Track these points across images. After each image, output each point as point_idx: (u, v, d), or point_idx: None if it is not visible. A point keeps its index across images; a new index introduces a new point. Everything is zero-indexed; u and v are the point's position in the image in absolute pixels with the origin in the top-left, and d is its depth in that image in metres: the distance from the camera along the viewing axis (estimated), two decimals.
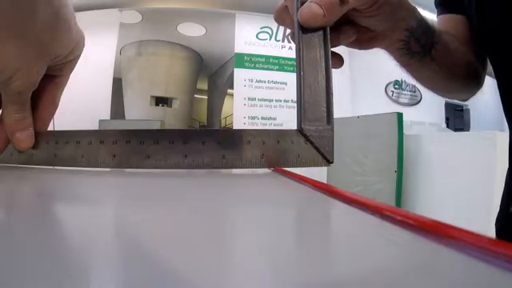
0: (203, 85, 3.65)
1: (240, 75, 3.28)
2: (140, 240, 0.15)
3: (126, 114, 3.30)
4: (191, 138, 0.34)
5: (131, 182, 0.33)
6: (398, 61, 0.49)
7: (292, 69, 3.14)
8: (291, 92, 3.00)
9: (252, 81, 3.27)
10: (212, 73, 3.60)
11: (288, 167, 0.34)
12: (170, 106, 3.49)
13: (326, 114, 0.34)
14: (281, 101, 3.24)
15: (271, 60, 3.34)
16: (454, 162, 1.79)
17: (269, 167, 0.36)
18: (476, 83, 0.56)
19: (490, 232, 0.39)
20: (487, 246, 0.13)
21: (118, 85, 3.25)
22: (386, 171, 1.98)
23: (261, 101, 3.26)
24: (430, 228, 0.16)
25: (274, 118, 3.20)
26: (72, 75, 0.39)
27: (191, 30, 3.46)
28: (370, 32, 0.42)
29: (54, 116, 0.39)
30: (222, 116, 3.52)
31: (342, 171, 2.20)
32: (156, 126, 2.94)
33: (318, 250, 0.14)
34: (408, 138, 1.99)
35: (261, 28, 3.35)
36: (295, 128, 0.34)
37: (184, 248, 0.14)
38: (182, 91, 3.54)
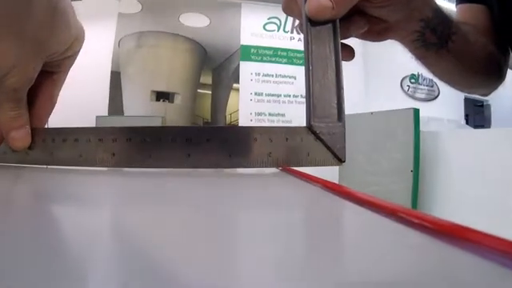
0: (207, 79, 3.63)
1: (246, 68, 3.27)
2: (145, 243, 0.15)
3: (124, 109, 3.29)
4: (195, 135, 0.34)
5: (132, 182, 0.33)
6: (413, 53, 0.49)
7: (302, 62, 3.13)
8: (301, 86, 2.97)
9: (259, 74, 3.27)
10: (216, 66, 3.58)
11: (297, 166, 0.34)
12: (172, 102, 3.48)
13: (336, 110, 0.34)
14: (290, 96, 3.22)
15: (279, 52, 3.32)
16: (473, 160, 1.78)
17: (276, 166, 0.36)
18: (497, 77, 0.56)
19: None
20: (511, 250, 0.13)
21: (116, 79, 3.24)
22: (401, 171, 1.97)
23: (268, 96, 3.24)
24: (449, 231, 0.15)
25: (283, 115, 3.19)
26: None
27: (194, 21, 3.45)
28: (382, 23, 0.42)
29: None
30: (227, 112, 3.49)
31: (355, 171, 2.19)
32: (157, 122, 2.94)
33: (330, 256, 0.14)
34: (425, 136, 1.98)
35: (268, 18, 3.33)
36: (304, 125, 0.34)
37: (191, 254, 0.14)
38: (184, 86, 3.54)
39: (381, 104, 2.52)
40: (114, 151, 0.35)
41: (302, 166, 0.34)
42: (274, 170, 0.38)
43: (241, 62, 3.29)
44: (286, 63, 3.31)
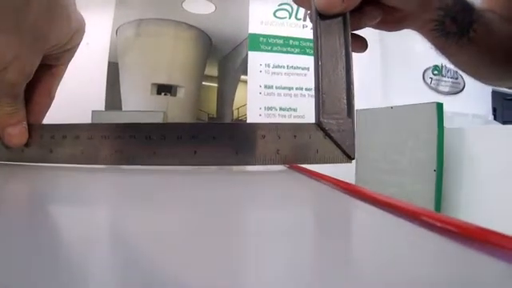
0: (212, 70, 3.58)
1: (255, 59, 3.25)
2: (152, 243, 0.15)
3: (123, 104, 3.27)
4: (201, 132, 0.36)
5: (132, 179, 0.34)
6: (432, 43, 0.50)
7: None
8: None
9: (269, 66, 3.23)
10: (223, 57, 3.54)
11: (305, 164, 0.36)
12: (174, 95, 3.45)
13: (346, 106, 0.36)
14: (302, 89, 3.18)
15: (291, 42, 3.28)
16: (502, 159, 1.76)
17: (284, 164, 0.37)
18: None
19: None
20: None
21: (113, 70, 3.23)
22: (423, 171, 1.95)
23: (279, 89, 3.21)
24: (476, 236, 0.15)
25: (295, 109, 3.14)
26: None
27: (198, 7, 3.43)
28: (397, 12, 0.43)
29: None
30: (235, 106, 3.44)
31: (372, 170, 2.19)
32: (158, 118, 2.89)
33: (345, 263, 0.14)
34: (449, 132, 1.95)
35: (279, 5, 3.29)
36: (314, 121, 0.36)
37: (196, 253, 0.14)
38: (187, 78, 3.51)
39: (401, 98, 2.50)
40: (117, 149, 0.36)
41: (310, 163, 0.35)
42: (281, 167, 0.39)
43: (249, 52, 3.27)
44: (298, 53, 3.26)
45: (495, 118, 3.63)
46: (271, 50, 3.28)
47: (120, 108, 3.24)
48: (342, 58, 0.37)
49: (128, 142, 0.36)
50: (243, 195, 0.29)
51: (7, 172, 0.36)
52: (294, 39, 3.29)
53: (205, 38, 3.51)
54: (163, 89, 3.45)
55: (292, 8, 3.29)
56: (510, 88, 0.64)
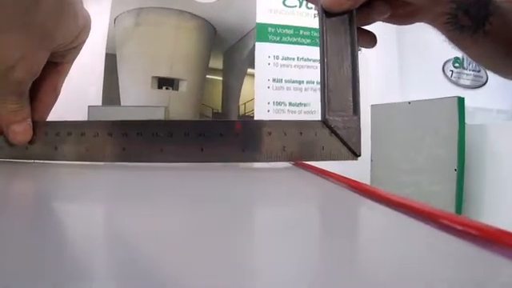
0: (217, 63, 3.56)
1: (263, 51, 3.21)
2: (154, 241, 0.16)
3: (121, 98, 3.25)
4: (208, 129, 0.38)
5: (132, 176, 0.36)
6: (446, 36, 0.51)
7: None
8: None
9: (278, 58, 3.20)
10: (228, 48, 3.53)
11: (311, 161, 0.38)
12: (177, 89, 3.43)
13: (352, 103, 0.38)
14: (313, 82, 3.16)
15: (301, 32, 3.25)
16: None
17: (290, 161, 0.40)
18: None
19: None
20: None
21: (111, 62, 3.21)
22: (443, 169, 1.95)
23: (288, 83, 3.18)
24: (499, 240, 0.15)
25: (306, 104, 3.12)
26: None
27: None
28: (407, 6, 0.45)
29: None
30: (241, 101, 3.42)
31: (389, 169, 2.18)
32: (159, 113, 2.91)
33: (360, 268, 0.14)
34: (471, 129, 1.94)
35: None
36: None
37: (200, 250, 0.15)
38: (190, 71, 3.49)
39: (419, 92, 2.46)
40: (124, 146, 0.38)
41: (316, 160, 0.38)
42: (286, 164, 0.41)
43: (256, 43, 3.23)
44: (309, 44, 3.24)
45: None
46: (280, 41, 3.24)
47: (118, 103, 3.21)
48: (348, 55, 0.39)
49: (135, 140, 0.38)
50: (250, 193, 0.30)
51: (12, 169, 0.38)
52: (305, 29, 3.25)
53: (209, 27, 3.49)
54: (164, 82, 3.41)
55: None
56: None
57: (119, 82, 3.28)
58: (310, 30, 3.27)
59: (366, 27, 0.45)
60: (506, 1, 0.51)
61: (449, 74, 3.45)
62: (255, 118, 2.67)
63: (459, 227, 0.17)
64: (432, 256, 0.15)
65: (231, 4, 3.42)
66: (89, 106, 2.83)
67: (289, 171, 0.40)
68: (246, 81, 3.45)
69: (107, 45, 3.18)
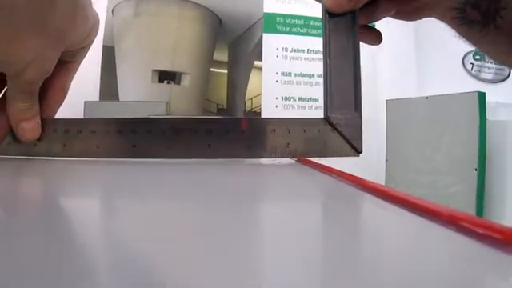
0: (222, 55, 3.53)
1: (271, 42, 3.20)
2: (156, 240, 0.17)
3: (120, 93, 3.22)
4: (214, 127, 0.41)
5: (137, 171, 0.38)
6: (455, 31, 0.53)
7: None
8: None
9: (286, 50, 3.19)
10: (234, 39, 3.49)
11: (314, 157, 0.42)
12: (179, 84, 3.39)
13: (353, 101, 0.42)
14: None
15: (312, 22, 3.22)
16: None
17: (294, 157, 0.43)
18: None
19: None
20: None
21: (109, 55, 3.19)
22: (462, 169, 1.94)
23: (298, 76, 3.17)
24: None
25: (316, 99, 3.08)
26: None
27: None
28: (413, 2, 0.47)
29: None
30: (247, 97, 3.37)
31: (404, 169, 2.19)
32: (160, 109, 2.91)
33: (374, 275, 0.14)
34: (492, 125, 1.93)
35: None
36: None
37: (202, 249, 0.15)
38: (193, 63, 3.47)
39: (438, 86, 2.44)
40: (134, 143, 0.42)
41: (319, 156, 0.42)
42: (289, 160, 0.45)
43: (264, 35, 3.23)
44: (320, 35, 2.74)
45: None
46: (289, 32, 3.22)
47: (117, 98, 3.19)
48: (350, 54, 0.43)
49: (145, 137, 0.42)
50: (254, 188, 0.33)
51: (22, 166, 0.40)
52: (316, 19, 3.17)
53: (213, 17, 3.47)
54: (166, 76, 3.38)
55: None
56: None
57: (117, 75, 3.26)
58: (321, 20, 3.06)
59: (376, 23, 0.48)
60: None
61: (469, 67, 3.42)
62: (262, 114, 2.66)
63: (480, 230, 0.17)
64: (451, 260, 0.15)
65: None
66: (85, 102, 2.82)
67: (292, 167, 0.44)
68: (253, 74, 3.40)
69: (105, 36, 3.11)
